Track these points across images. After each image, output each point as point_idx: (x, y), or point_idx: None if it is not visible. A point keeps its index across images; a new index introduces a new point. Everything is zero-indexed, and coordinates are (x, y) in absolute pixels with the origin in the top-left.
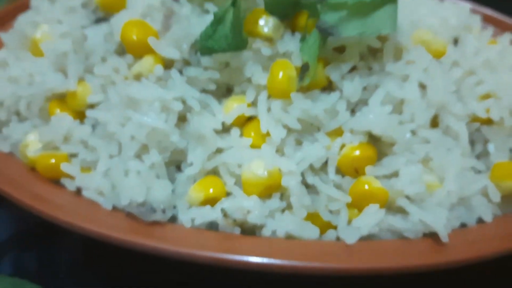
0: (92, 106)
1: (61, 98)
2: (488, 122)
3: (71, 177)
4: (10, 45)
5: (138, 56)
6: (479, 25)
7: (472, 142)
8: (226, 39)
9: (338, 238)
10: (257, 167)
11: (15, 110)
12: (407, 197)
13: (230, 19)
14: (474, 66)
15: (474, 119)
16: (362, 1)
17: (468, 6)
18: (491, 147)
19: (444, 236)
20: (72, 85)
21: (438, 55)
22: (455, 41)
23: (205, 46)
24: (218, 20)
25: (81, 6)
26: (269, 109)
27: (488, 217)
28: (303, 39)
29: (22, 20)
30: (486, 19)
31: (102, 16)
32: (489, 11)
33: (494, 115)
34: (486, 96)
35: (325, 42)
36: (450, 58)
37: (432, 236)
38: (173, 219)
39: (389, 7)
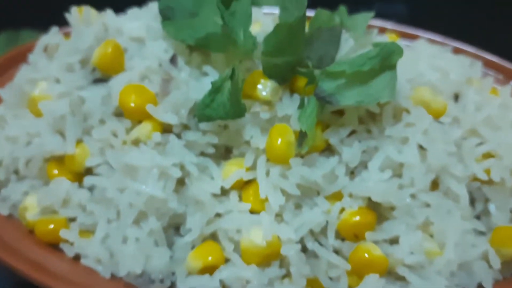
0: (90, 168)
1: (60, 159)
2: (489, 182)
3: (70, 243)
4: (8, 101)
5: (137, 121)
6: (479, 74)
7: (472, 201)
8: (224, 108)
9: None
10: (256, 235)
11: (13, 169)
12: (407, 266)
13: (228, 88)
14: (475, 124)
15: (475, 179)
16: (360, 70)
17: (468, 60)
18: (492, 207)
19: None
20: (70, 149)
21: (438, 114)
22: (456, 96)
23: (203, 114)
24: (216, 89)
25: (79, 64)
26: (267, 173)
27: (488, 284)
28: (301, 106)
29: (20, 77)
30: (487, 64)
31: (100, 77)
32: (490, 56)
33: (495, 176)
34: (487, 155)
35: (324, 108)
36: (450, 116)
37: None
38: (172, 286)
39: (388, 74)
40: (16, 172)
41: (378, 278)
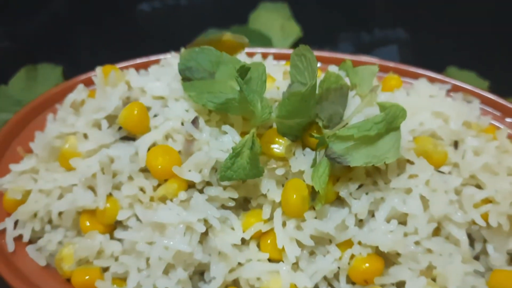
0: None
1: (91, 212)
2: (488, 226)
3: None
4: (40, 154)
5: (163, 180)
6: (478, 113)
7: (472, 241)
8: (244, 171)
9: None
10: (275, 285)
11: (47, 219)
12: None
13: (247, 153)
14: (474, 171)
15: (475, 223)
16: (367, 135)
17: (465, 107)
18: (490, 248)
19: None
20: (101, 204)
21: (439, 163)
22: (455, 143)
23: (225, 176)
24: (236, 154)
25: (106, 121)
26: (284, 224)
27: None
28: (314, 163)
29: (50, 131)
30: (484, 101)
31: (126, 135)
32: (487, 94)
33: (492, 222)
34: (486, 201)
35: (334, 165)
36: (451, 163)
37: None
38: None
39: (393, 135)
40: (49, 221)
41: None
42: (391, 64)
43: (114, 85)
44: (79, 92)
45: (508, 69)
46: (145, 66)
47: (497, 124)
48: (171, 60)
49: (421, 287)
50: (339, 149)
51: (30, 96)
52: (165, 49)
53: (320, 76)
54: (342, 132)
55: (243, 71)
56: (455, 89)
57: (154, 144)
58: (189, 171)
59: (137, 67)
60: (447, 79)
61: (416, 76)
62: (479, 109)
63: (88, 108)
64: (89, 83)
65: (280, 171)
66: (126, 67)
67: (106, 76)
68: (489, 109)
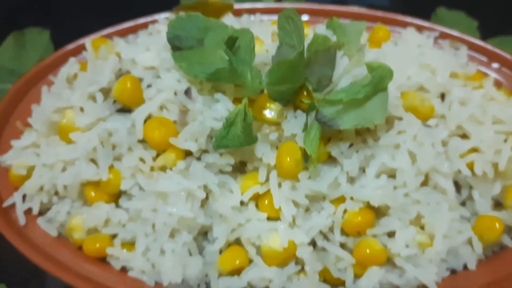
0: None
1: (95, 183)
2: (473, 174)
3: (116, 258)
4: (39, 130)
5: (161, 150)
6: (465, 60)
7: (459, 188)
8: (238, 139)
9: None
10: (274, 242)
11: (54, 192)
12: (403, 257)
13: (241, 122)
14: (460, 122)
15: (460, 172)
16: (355, 98)
17: (452, 50)
18: (476, 194)
19: None
20: (104, 176)
21: (426, 117)
22: (442, 95)
23: (220, 145)
24: (230, 124)
25: (101, 94)
26: (279, 185)
27: (472, 265)
28: (305, 127)
29: (46, 105)
30: (471, 47)
31: (122, 107)
32: (473, 40)
33: (477, 170)
34: (472, 150)
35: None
36: (438, 115)
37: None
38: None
39: (380, 96)
40: (56, 193)
41: (379, 269)
42: (379, 14)
43: (105, 58)
44: (71, 66)
45: (497, 8)
46: (134, 30)
47: (483, 69)
48: (159, 27)
49: (410, 236)
50: (329, 113)
51: (21, 64)
52: (152, 11)
53: (309, 35)
54: (331, 96)
55: (231, 41)
56: (443, 36)
57: (149, 116)
58: (186, 140)
59: (125, 32)
60: (434, 26)
61: (404, 25)
62: (466, 56)
63: (82, 81)
64: (78, 51)
65: (273, 136)
66: (115, 33)
67: (96, 49)
68: (476, 54)
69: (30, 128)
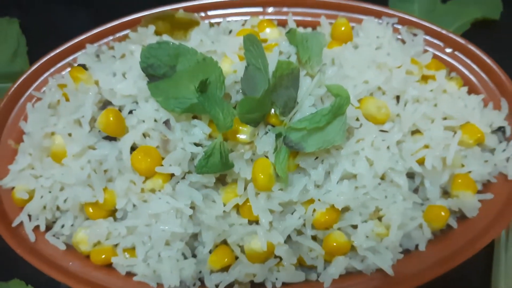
0: None
1: (93, 203)
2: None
3: (121, 266)
4: (33, 154)
5: (149, 176)
6: (421, 48)
7: (412, 176)
8: (216, 167)
9: (318, 275)
10: (255, 245)
11: (56, 208)
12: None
13: (218, 153)
14: (413, 121)
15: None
16: (317, 126)
17: (409, 49)
18: (427, 183)
19: (390, 272)
20: (100, 198)
21: (383, 121)
22: (397, 97)
23: (200, 172)
24: (208, 155)
25: (85, 120)
26: (256, 194)
27: (422, 246)
28: (275, 148)
29: (35, 131)
30: (428, 33)
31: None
32: (430, 25)
33: (428, 165)
34: (424, 147)
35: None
36: (393, 116)
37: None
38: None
39: (339, 120)
40: (58, 208)
41: (344, 258)
42: (341, 1)
43: (85, 91)
44: (53, 94)
45: None
46: (110, 33)
47: (438, 53)
48: (131, 47)
49: (369, 228)
50: (295, 137)
51: None
52: None
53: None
54: (296, 125)
55: (202, 84)
56: (401, 22)
57: (134, 144)
58: (170, 165)
59: (100, 37)
60: (393, 12)
61: (364, 12)
62: (422, 45)
63: (65, 110)
64: (53, 63)
65: (247, 155)
66: (89, 39)
67: (75, 80)
68: (431, 39)
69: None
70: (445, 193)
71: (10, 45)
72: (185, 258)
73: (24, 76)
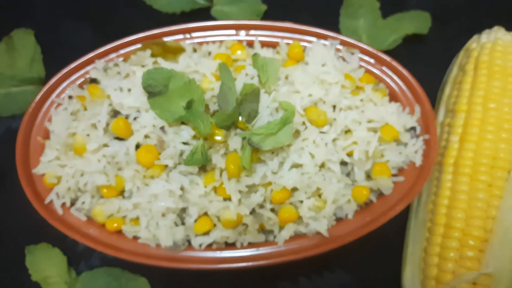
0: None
1: (107, 185)
2: (353, 159)
3: (128, 232)
4: (59, 149)
5: (150, 167)
6: (357, 65)
7: (345, 163)
8: (199, 161)
9: (274, 237)
10: (228, 216)
11: (78, 189)
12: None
13: (199, 151)
14: (345, 124)
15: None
16: (271, 132)
17: (346, 67)
18: (355, 169)
19: (326, 234)
20: (113, 182)
21: (322, 124)
22: (334, 106)
23: (187, 164)
24: (193, 153)
25: (101, 125)
26: (229, 179)
27: (350, 215)
28: (242, 146)
29: (60, 131)
30: (363, 52)
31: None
32: (364, 45)
33: (355, 156)
34: (353, 143)
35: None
36: (331, 120)
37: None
38: (189, 243)
39: (287, 127)
40: (79, 189)
41: (293, 224)
42: (294, 26)
43: (100, 103)
44: (75, 104)
45: None
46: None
47: (370, 68)
48: (133, 68)
49: (311, 203)
50: (255, 140)
51: (16, 67)
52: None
53: (246, 60)
54: (256, 131)
55: (188, 104)
56: (342, 43)
57: (138, 143)
58: (165, 159)
59: (104, 54)
60: (336, 35)
61: (314, 34)
62: (357, 61)
63: (84, 116)
64: (71, 74)
65: (222, 151)
66: (97, 56)
67: (92, 95)
68: (366, 57)
69: (49, 140)
70: (368, 177)
71: (28, 53)
72: (177, 225)
73: (47, 86)
